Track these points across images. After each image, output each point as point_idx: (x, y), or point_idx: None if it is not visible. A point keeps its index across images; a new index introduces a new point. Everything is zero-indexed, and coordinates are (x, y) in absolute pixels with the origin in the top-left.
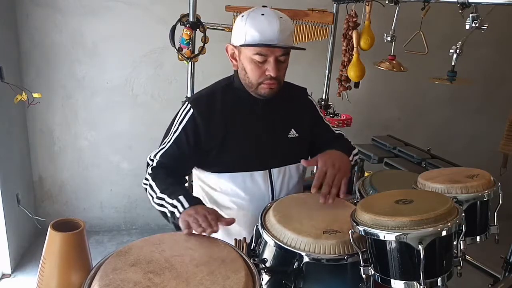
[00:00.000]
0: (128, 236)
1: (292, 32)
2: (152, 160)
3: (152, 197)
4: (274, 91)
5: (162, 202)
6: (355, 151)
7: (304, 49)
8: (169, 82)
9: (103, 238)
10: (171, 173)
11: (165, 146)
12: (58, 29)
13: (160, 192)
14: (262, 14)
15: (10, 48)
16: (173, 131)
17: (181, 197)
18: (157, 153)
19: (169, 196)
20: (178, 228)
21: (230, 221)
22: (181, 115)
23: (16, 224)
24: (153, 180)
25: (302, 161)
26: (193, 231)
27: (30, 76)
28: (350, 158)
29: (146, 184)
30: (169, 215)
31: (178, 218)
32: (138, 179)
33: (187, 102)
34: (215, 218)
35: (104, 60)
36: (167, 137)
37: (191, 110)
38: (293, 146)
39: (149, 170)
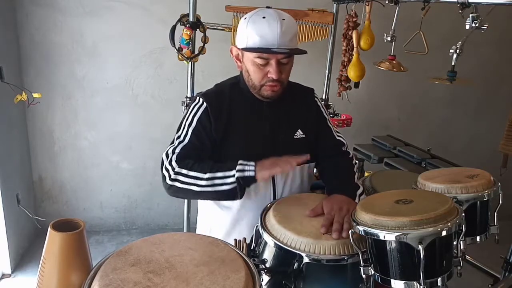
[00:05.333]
0: (128, 236)
1: (295, 34)
2: (170, 155)
3: (197, 185)
4: (276, 93)
5: (215, 181)
6: (359, 191)
7: (305, 52)
8: (169, 82)
9: (103, 238)
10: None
11: (183, 140)
12: (58, 29)
13: (209, 173)
14: (264, 17)
15: (10, 48)
16: (188, 124)
17: (240, 161)
18: (175, 147)
19: (223, 170)
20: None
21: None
22: (193, 108)
23: (16, 224)
24: (190, 169)
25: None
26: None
27: (30, 76)
28: (356, 200)
29: (176, 178)
30: (231, 186)
31: (254, 176)
32: (138, 179)
33: (198, 97)
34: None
35: (104, 60)
36: (182, 132)
37: (204, 104)
38: (299, 147)
39: (174, 164)
